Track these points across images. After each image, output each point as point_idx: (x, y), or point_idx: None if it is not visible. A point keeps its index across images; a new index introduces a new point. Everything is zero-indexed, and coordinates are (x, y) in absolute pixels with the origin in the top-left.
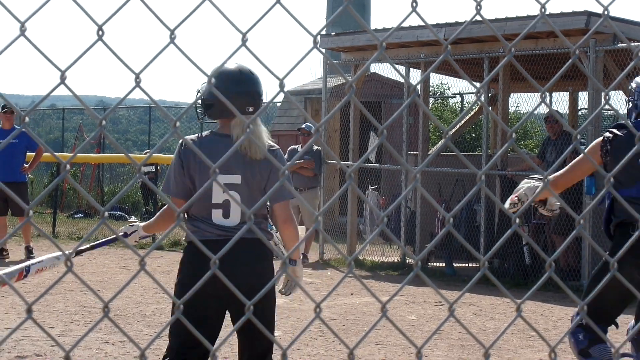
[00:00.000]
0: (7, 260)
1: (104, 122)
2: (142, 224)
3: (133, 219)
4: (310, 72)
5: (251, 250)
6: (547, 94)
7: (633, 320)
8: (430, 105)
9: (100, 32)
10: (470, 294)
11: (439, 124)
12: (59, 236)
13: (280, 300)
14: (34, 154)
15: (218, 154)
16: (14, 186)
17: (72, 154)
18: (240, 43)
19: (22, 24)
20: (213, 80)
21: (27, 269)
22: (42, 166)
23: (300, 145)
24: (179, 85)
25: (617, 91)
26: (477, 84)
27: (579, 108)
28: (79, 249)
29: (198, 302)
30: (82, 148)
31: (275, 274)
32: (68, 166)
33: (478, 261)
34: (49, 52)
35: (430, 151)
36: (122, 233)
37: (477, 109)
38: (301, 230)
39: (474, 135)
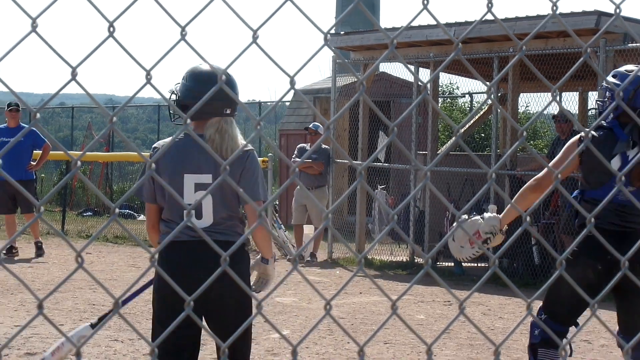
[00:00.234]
0: (16, 257)
1: (114, 119)
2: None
3: None
4: (319, 72)
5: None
6: (558, 92)
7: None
8: (439, 104)
9: (112, 29)
10: (479, 294)
11: (450, 122)
12: (68, 234)
13: (289, 299)
14: (40, 152)
15: (192, 155)
16: (21, 184)
17: (81, 152)
18: (251, 40)
19: (34, 20)
20: (188, 82)
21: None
22: (51, 164)
23: (309, 144)
24: None
25: None
26: (488, 83)
27: (588, 108)
28: (124, 298)
29: (175, 307)
30: (93, 145)
31: (249, 276)
32: (79, 163)
33: (487, 261)
34: (58, 49)
35: (440, 151)
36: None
37: (486, 108)
38: (309, 229)
39: (483, 135)
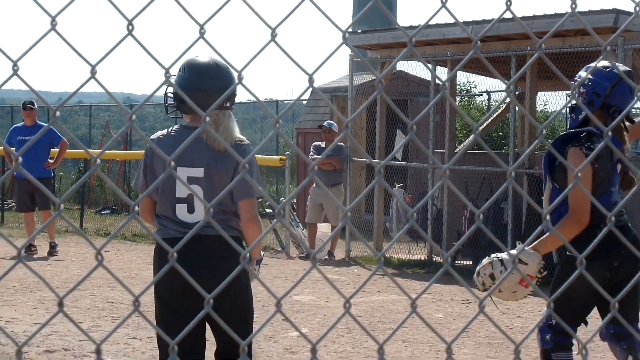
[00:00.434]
0: (35, 255)
1: (133, 117)
2: None
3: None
4: (336, 70)
5: (216, 248)
6: (577, 90)
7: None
8: (457, 103)
9: (130, 27)
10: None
11: (469, 120)
12: (86, 232)
13: (307, 297)
14: (57, 149)
15: (187, 147)
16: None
17: (100, 150)
18: (270, 38)
19: (53, 18)
20: (186, 73)
21: None
22: (69, 162)
23: (324, 142)
24: None
25: None
26: (507, 82)
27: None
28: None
29: (176, 304)
30: (112, 143)
31: (246, 273)
32: (99, 160)
33: None
34: (77, 47)
35: (458, 149)
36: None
37: (504, 106)
38: (326, 228)
39: (500, 133)
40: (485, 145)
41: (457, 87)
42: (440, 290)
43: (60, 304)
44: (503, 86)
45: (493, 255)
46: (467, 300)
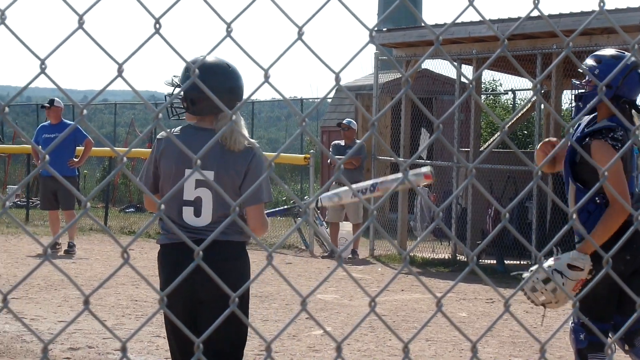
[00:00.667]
0: (59, 254)
1: (160, 115)
2: None
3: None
4: (360, 68)
5: (220, 253)
6: (605, 89)
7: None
8: (482, 101)
9: (158, 26)
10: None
11: (496, 118)
12: (110, 230)
13: (330, 296)
14: (81, 148)
15: (196, 148)
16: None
17: (126, 149)
18: (297, 37)
19: (81, 17)
20: (197, 74)
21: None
22: (94, 161)
23: (343, 140)
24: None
25: None
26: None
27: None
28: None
29: (182, 308)
30: (138, 141)
31: (248, 275)
32: (125, 159)
33: (529, 258)
34: (103, 45)
35: (482, 148)
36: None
37: (529, 105)
38: (348, 227)
39: (525, 132)
40: (512, 144)
41: (482, 85)
42: (464, 289)
43: (87, 302)
44: (528, 84)
45: (546, 266)
46: (491, 299)
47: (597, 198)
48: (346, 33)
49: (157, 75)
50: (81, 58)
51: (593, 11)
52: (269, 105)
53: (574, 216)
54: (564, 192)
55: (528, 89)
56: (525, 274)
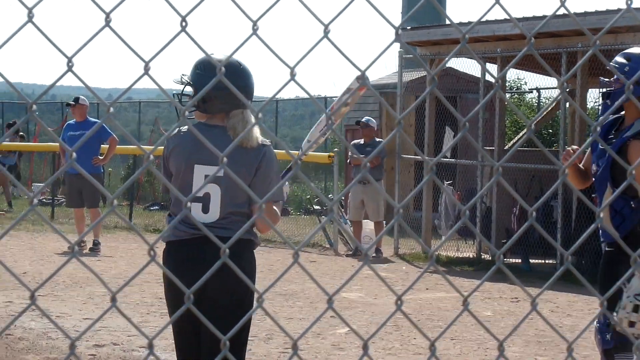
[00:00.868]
0: (84, 251)
1: (187, 113)
2: None
3: None
4: (384, 67)
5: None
6: (632, 87)
7: None
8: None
9: (184, 23)
10: (547, 291)
11: (522, 116)
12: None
13: (354, 294)
14: (106, 145)
15: (205, 146)
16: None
17: (152, 147)
18: (323, 34)
19: (107, 15)
20: (207, 72)
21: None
22: (118, 158)
23: (362, 139)
24: (257, 78)
25: None
26: (560, 78)
27: None
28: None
29: (175, 305)
30: (164, 140)
31: (252, 274)
32: (152, 156)
33: (554, 257)
34: (130, 43)
35: (507, 146)
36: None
37: (554, 104)
38: (371, 225)
39: (550, 130)
40: (538, 143)
41: (507, 83)
42: (489, 288)
43: (114, 299)
44: (553, 83)
45: (632, 297)
46: (516, 298)
47: (632, 202)
48: (366, 32)
49: (183, 72)
50: (106, 56)
51: (619, 9)
52: (293, 103)
53: (601, 215)
54: (590, 191)
55: (554, 88)
56: (615, 316)
